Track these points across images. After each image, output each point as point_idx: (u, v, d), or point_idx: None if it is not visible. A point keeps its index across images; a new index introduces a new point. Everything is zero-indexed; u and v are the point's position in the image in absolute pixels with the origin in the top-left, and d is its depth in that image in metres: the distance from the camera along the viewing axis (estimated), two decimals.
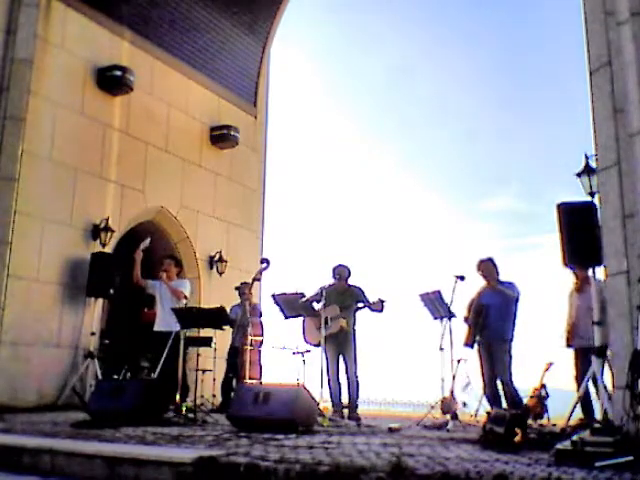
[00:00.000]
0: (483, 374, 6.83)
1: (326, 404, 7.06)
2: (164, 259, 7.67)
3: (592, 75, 4.96)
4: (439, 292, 6.76)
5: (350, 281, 7.48)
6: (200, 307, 8.07)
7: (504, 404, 6.76)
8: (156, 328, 7.24)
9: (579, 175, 7.21)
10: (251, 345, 7.67)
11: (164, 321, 7.11)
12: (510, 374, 6.67)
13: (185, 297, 7.34)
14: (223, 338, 8.05)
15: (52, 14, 8.55)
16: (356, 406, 7.27)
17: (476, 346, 6.83)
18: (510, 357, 6.70)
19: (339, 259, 7.69)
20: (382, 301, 7.21)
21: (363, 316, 7.44)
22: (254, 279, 7.40)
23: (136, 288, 7.72)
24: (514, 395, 6.60)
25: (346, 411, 7.25)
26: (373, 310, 7.27)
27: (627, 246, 4.55)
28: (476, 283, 7.00)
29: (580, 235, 5.50)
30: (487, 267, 6.91)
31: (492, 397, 6.74)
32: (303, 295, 7.08)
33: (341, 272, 7.39)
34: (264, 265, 7.59)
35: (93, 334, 8.47)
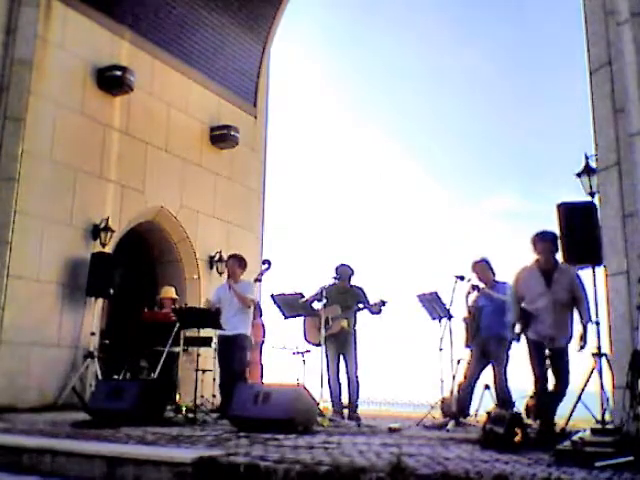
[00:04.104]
0: (466, 373, 6.83)
1: (326, 404, 7.06)
2: (228, 259, 7.39)
3: (592, 75, 4.97)
4: (436, 292, 6.76)
5: (352, 281, 7.48)
6: (200, 307, 8.06)
7: (472, 410, 6.87)
8: (221, 332, 6.97)
9: (579, 175, 7.22)
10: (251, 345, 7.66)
11: (230, 324, 6.84)
12: (505, 374, 6.66)
13: (252, 301, 7.13)
14: None
15: (52, 14, 8.55)
16: (356, 406, 7.27)
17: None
18: (507, 357, 6.70)
19: (339, 259, 7.68)
20: (383, 302, 7.22)
21: (363, 316, 7.45)
22: (255, 280, 7.40)
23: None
24: (506, 395, 6.59)
25: (346, 411, 7.25)
26: (372, 312, 7.29)
27: (627, 246, 4.55)
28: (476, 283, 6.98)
29: (580, 235, 5.50)
30: (482, 268, 6.91)
31: (462, 401, 6.71)
32: (302, 295, 7.08)
33: (343, 272, 7.39)
34: (266, 266, 7.59)
35: (93, 334, 8.47)
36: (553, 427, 5.11)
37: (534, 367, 5.35)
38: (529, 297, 5.42)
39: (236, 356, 6.88)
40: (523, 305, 5.44)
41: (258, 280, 7.47)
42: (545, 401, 5.21)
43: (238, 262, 7.20)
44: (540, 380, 5.27)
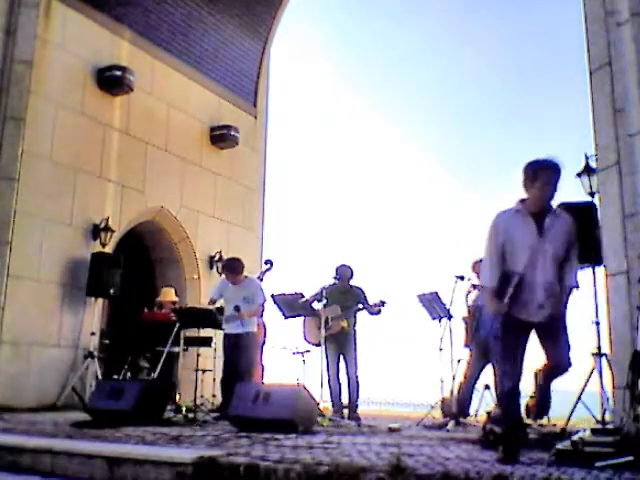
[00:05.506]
0: (466, 373, 6.83)
1: (326, 404, 7.06)
2: (223, 270, 7.35)
3: (592, 75, 4.97)
4: (436, 292, 6.77)
5: (352, 282, 7.49)
6: (200, 307, 8.06)
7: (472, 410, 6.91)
8: (227, 330, 6.99)
9: (579, 175, 7.21)
10: None
11: (236, 322, 6.87)
12: None
13: (261, 306, 7.08)
14: None
15: (52, 14, 8.55)
16: (356, 406, 7.28)
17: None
18: None
19: (339, 259, 7.70)
20: (383, 302, 7.24)
21: (363, 316, 7.46)
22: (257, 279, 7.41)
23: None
24: None
25: (346, 411, 7.26)
26: (372, 313, 7.31)
27: (627, 246, 4.56)
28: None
29: (580, 235, 5.50)
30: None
31: (462, 400, 6.70)
32: (302, 295, 7.09)
33: (344, 272, 7.40)
34: (268, 266, 7.60)
35: (93, 334, 8.47)
36: (521, 427, 3.95)
37: (509, 355, 3.78)
38: (514, 251, 3.84)
39: (244, 355, 6.86)
40: (507, 269, 3.84)
41: (259, 280, 7.49)
42: (511, 401, 3.77)
43: (233, 269, 7.04)
44: (513, 374, 3.75)
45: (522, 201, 3.89)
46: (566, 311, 3.90)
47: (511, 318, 3.77)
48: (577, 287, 3.97)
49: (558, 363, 3.88)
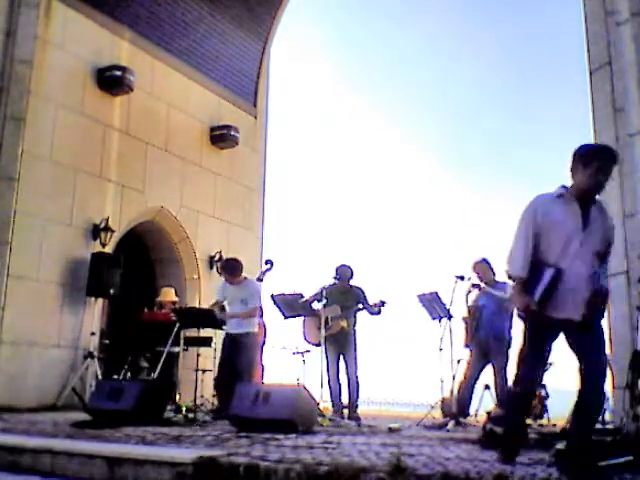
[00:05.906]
0: (465, 373, 6.83)
1: (326, 404, 7.06)
2: (222, 271, 7.39)
3: (592, 75, 4.98)
4: (436, 292, 6.77)
5: (352, 282, 7.49)
6: (200, 307, 8.06)
7: (472, 410, 6.93)
8: (227, 330, 6.98)
9: None
10: None
11: (236, 322, 6.88)
12: (505, 374, 6.67)
13: (258, 308, 7.08)
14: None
15: (52, 14, 8.55)
16: (356, 406, 7.28)
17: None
18: (507, 357, 6.70)
19: (339, 258, 7.70)
20: (383, 302, 7.24)
21: (363, 316, 7.46)
22: (257, 279, 7.41)
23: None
24: (506, 395, 6.59)
25: (346, 411, 7.26)
26: (371, 313, 7.32)
27: (627, 246, 4.57)
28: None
29: None
30: (482, 268, 6.94)
31: (462, 400, 6.71)
32: (302, 295, 7.08)
33: (344, 272, 7.40)
34: (268, 266, 7.59)
35: (93, 334, 8.48)
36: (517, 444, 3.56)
37: (534, 357, 3.49)
38: (552, 239, 3.40)
39: (243, 354, 6.87)
40: (539, 258, 3.40)
41: (259, 280, 7.48)
42: (523, 404, 3.64)
43: (231, 270, 7.03)
44: (533, 378, 3.58)
45: (565, 187, 3.48)
46: (602, 315, 3.47)
47: (541, 317, 3.36)
48: (606, 293, 3.48)
49: (594, 369, 3.32)
